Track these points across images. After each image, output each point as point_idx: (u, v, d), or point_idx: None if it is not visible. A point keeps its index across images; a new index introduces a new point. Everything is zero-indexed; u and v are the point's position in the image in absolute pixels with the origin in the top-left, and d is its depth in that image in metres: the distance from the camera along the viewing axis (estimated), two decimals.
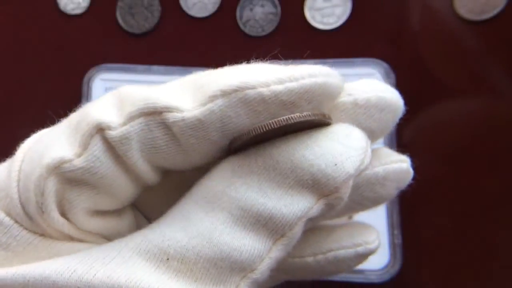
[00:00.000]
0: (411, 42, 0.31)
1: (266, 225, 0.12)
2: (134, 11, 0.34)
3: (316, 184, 0.12)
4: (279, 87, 0.12)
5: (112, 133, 0.12)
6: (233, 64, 0.34)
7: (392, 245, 0.30)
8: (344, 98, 0.14)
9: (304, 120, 0.12)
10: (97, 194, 0.13)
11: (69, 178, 0.12)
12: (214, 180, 0.13)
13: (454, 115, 0.30)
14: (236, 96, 0.12)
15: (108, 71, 0.33)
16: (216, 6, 0.33)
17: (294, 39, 0.32)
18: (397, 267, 0.29)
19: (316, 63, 0.32)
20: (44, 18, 0.35)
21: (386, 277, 0.30)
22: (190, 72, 0.36)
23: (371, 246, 0.17)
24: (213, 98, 0.12)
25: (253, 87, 0.12)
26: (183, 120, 0.12)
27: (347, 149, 0.12)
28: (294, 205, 0.12)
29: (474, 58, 0.30)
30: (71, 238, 0.13)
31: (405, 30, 0.31)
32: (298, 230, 0.12)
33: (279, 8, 0.32)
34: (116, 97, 0.13)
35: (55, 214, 0.13)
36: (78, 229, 0.13)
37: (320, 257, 0.16)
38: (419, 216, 0.30)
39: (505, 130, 0.30)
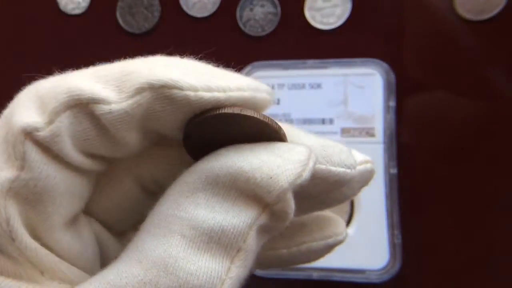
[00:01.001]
0: (411, 42, 0.31)
1: (220, 241, 0.12)
2: (134, 11, 0.34)
3: (257, 196, 0.12)
4: (206, 95, 0.12)
5: (41, 134, 0.12)
6: (233, 63, 0.34)
7: (392, 245, 0.30)
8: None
9: (257, 118, 0.12)
10: (60, 200, 0.13)
11: (26, 197, 0.12)
12: (163, 204, 0.12)
13: (454, 115, 0.30)
14: (162, 92, 0.12)
15: None
16: (216, 6, 0.33)
17: (294, 39, 0.32)
18: (397, 267, 0.30)
19: (316, 63, 0.32)
20: (44, 18, 0.35)
21: (386, 277, 0.30)
22: None
23: (340, 237, 0.18)
24: (140, 90, 0.12)
25: (181, 88, 0.12)
26: (110, 112, 0.12)
27: (284, 162, 0.12)
28: (243, 214, 0.12)
29: (474, 58, 0.30)
30: (41, 273, 0.13)
31: (405, 30, 0.31)
32: (252, 242, 0.12)
33: (279, 8, 0.32)
34: (33, 95, 0.12)
35: (26, 239, 0.12)
36: (50, 254, 0.13)
37: (294, 249, 0.17)
38: (419, 216, 0.30)
39: (505, 130, 0.30)
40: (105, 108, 0.12)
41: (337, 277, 0.30)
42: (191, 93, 0.12)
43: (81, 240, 0.14)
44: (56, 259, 0.13)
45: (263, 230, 0.12)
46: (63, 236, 0.13)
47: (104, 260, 0.15)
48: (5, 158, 0.12)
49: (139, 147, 0.13)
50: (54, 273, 0.13)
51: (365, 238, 0.30)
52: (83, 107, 0.12)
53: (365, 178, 0.16)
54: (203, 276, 0.11)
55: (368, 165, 0.16)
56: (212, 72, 0.13)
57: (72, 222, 0.14)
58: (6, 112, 0.13)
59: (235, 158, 0.12)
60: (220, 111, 0.12)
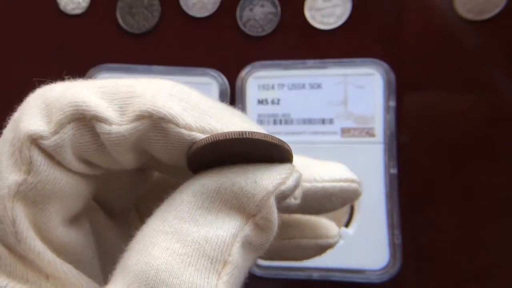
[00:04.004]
0: (411, 42, 0.31)
1: (204, 253, 0.11)
2: (134, 11, 0.34)
3: (240, 204, 0.12)
4: (199, 136, 0.12)
5: (45, 143, 0.12)
6: (232, 63, 0.34)
7: (392, 245, 0.30)
8: (305, 183, 0.15)
9: (264, 141, 0.12)
10: (65, 201, 0.13)
11: (34, 199, 0.12)
12: (149, 222, 0.13)
13: (454, 115, 0.30)
14: (159, 124, 0.12)
15: (108, 71, 0.33)
16: (216, 6, 0.33)
17: (294, 39, 0.32)
18: (397, 267, 0.30)
19: (316, 63, 0.32)
20: (44, 18, 0.35)
21: (386, 277, 0.30)
22: (190, 72, 0.36)
23: (331, 240, 0.18)
24: (140, 117, 0.12)
25: (177, 125, 0.12)
26: (109, 133, 0.12)
27: (269, 170, 0.12)
28: (226, 225, 0.12)
29: (474, 58, 0.30)
30: (46, 277, 0.13)
31: (405, 30, 0.31)
32: (238, 255, 0.12)
33: (279, 8, 0.32)
34: (42, 102, 0.13)
35: (32, 241, 0.12)
36: (56, 258, 0.13)
37: (284, 241, 0.18)
38: (419, 216, 0.30)
39: (505, 130, 0.30)
40: (105, 127, 0.12)
41: (337, 277, 0.30)
42: (185, 132, 0.12)
43: (82, 236, 0.14)
44: (65, 264, 0.13)
45: (248, 244, 0.12)
46: (66, 233, 0.13)
47: (105, 251, 0.16)
48: (13, 162, 0.12)
49: (135, 164, 0.14)
50: (59, 278, 0.13)
51: (365, 238, 0.30)
52: (86, 121, 0.12)
53: (347, 196, 0.17)
54: None
55: (353, 185, 0.16)
56: (212, 112, 0.13)
57: (75, 220, 0.14)
58: (15, 116, 0.13)
59: (222, 169, 0.12)
60: (208, 141, 0.12)
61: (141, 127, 0.12)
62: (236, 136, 0.12)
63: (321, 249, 0.18)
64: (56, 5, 0.34)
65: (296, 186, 0.13)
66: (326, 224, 0.18)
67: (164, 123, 0.12)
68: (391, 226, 0.30)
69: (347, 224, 0.30)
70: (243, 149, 0.12)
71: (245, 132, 0.12)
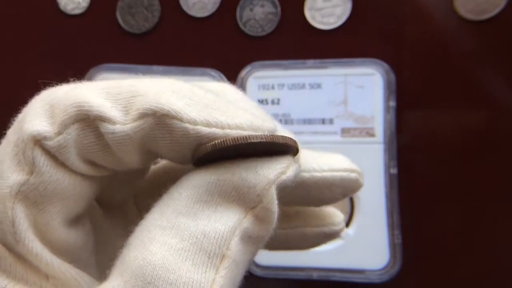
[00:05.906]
0: (411, 42, 0.31)
1: (202, 247, 0.11)
2: (134, 11, 0.34)
3: (240, 196, 0.12)
4: (204, 130, 0.12)
5: (49, 144, 0.12)
6: (232, 63, 0.34)
7: (392, 245, 0.30)
8: (304, 173, 0.15)
9: (271, 142, 0.12)
10: (67, 202, 0.13)
11: (33, 200, 0.12)
12: (147, 217, 0.12)
13: (454, 115, 0.30)
14: (163, 121, 0.12)
15: (108, 71, 0.33)
16: (216, 6, 0.33)
17: (294, 39, 0.32)
18: (397, 267, 0.30)
19: (316, 63, 0.32)
20: (44, 18, 0.35)
21: (386, 277, 0.30)
22: (190, 72, 0.36)
23: (336, 228, 0.18)
24: (144, 115, 0.12)
25: (181, 120, 0.12)
26: (113, 133, 0.12)
27: (270, 161, 0.12)
28: (225, 218, 0.12)
29: (474, 58, 0.30)
30: (46, 278, 0.13)
31: (405, 30, 0.31)
32: (236, 249, 0.12)
33: (279, 8, 0.32)
34: (46, 103, 0.13)
35: (31, 243, 0.12)
36: (55, 258, 0.13)
37: (289, 230, 0.18)
38: (419, 216, 0.30)
39: (504, 130, 0.30)
40: (109, 127, 0.12)
41: (337, 277, 0.30)
42: (189, 126, 0.12)
43: (83, 236, 0.14)
44: (64, 264, 0.13)
45: (248, 237, 0.12)
46: (67, 234, 0.13)
47: (101, 247, 0.16)
48: (16, 162, 0.12)
49: (140, 164, 0.14)
50: (59, 279, 0.13)
51: (365, 238, 0.30)
52: (90, 121, 0.12)
53: (347, 186, 0.16)
54: (183, 287, 0.11)
55: (353, 175, 0.16)
56: (216, 105, 0.12)
57: (76, 220, 0.14)
58: (20, 117, 0.13)
59: (222, 164, 0.12)
60: (212, 146, 0.12)
61: (145, 125, 0.12)
62: (235, 143, 0.12)
63: (326, 236, 0.18)
64: (56, 5, 0.34)
65: (296, 175, 0.13)
66: (331, 211, 0.18)
67: (168, 119, 0.12)
68: (391, 226, 0.30)
69: (347, 224, 0.30)
70: (245, 148, 0.12)
71: (245, 137, 0.12)
